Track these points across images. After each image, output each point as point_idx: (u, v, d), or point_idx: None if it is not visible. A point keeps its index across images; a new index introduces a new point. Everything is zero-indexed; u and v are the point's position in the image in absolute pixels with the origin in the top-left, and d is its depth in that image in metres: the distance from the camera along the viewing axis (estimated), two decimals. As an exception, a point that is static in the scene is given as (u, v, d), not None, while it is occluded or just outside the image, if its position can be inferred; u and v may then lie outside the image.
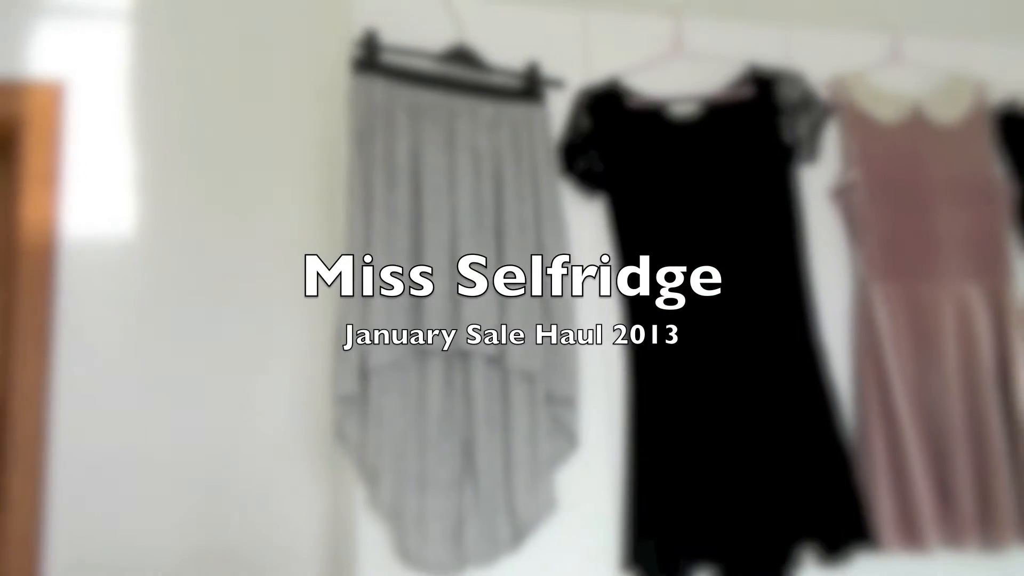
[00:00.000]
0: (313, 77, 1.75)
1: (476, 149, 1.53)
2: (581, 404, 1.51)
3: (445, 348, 1.41)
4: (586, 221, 1.63)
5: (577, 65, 1.68)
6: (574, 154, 1.64)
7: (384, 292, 1.39)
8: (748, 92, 1.69)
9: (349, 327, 1.37)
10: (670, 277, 1.55)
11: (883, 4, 2.08)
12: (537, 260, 1.51)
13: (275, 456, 1.60)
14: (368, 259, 1.40)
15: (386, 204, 1.44)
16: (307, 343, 1.67)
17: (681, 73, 1.72)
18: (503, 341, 1.44)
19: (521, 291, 1.47)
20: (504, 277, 1.48)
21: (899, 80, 1.78)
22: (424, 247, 1.44)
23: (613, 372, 1.57)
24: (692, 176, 1.65)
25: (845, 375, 1.63)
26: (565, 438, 1.48)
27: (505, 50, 1.62)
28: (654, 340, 1.55)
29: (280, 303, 1.66)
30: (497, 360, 1.45)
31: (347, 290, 1.39)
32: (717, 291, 1.57)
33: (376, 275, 1.39)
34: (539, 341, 1.46)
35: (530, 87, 1.62)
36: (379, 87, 1.50)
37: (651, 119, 1.67)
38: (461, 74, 1.58)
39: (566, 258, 1.54)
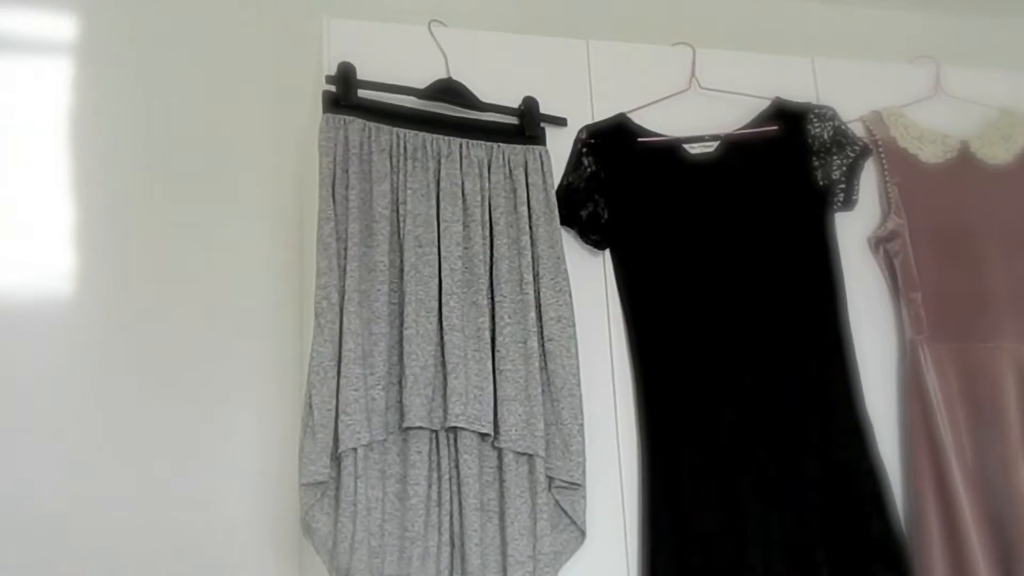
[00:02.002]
0: (282, 116, 1.76)
1: (466, 196, 1.54)
2: (590, 489, 1.49)
3: (431, 425, 1.41)
4: (591, 277, 1.64)
5: (580, 101, 1.70)
6: (576, 200, 1.65)
7: (360, 360, 1.39)
8: (773, 128, 1.71)
9: (319, 401, 1.36)
10: (687, 346, 1.56)
11: (921, 32, 2.15)
12: (536, 323, 1.51)
13: (232, 553, 1.57)
14: (341, 322, 1.39)
15: (362, 259, 1.45)
16: (271, 420, 1.65)
17: (697, 108, 1.74)
18: (498, 416, 1.44)
19: (518, 359, 1.48)
20: (499, 342, 1.48)
21: (943, 116, 1.80)
22: (406, 308, 1.44)
23: (627, 451, 1.55)
24: (712, 224, 1.65)
25: (894, 452, 1.61)
26: (571, 529, 1.46)
27: (498, 85, 1.64)
28: (673, 416, 1.55)
29: (240, 373, 1.64)
30: (491, 439, 1.44)
31: (317, 358, 1.38)
32: (742, 358, 1.58)
33: (351, 341, 1.38)
34: (539, 416, 1.45)
35: (527, 125, 1.63)
36: (355, 127, 1.51)
37: (664, 159, 1.68)
38: (448, 112, 1.60)
39: (569, 320, 1.54)
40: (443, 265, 1.48)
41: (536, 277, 1.54)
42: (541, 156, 1.62)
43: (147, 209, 1.67)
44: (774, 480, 1.50)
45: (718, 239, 1.65)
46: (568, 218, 1.63)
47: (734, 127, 1.73)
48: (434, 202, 1.52)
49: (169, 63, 1.76)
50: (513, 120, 1.63)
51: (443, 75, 1.62)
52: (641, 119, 1.72)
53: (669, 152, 1.69)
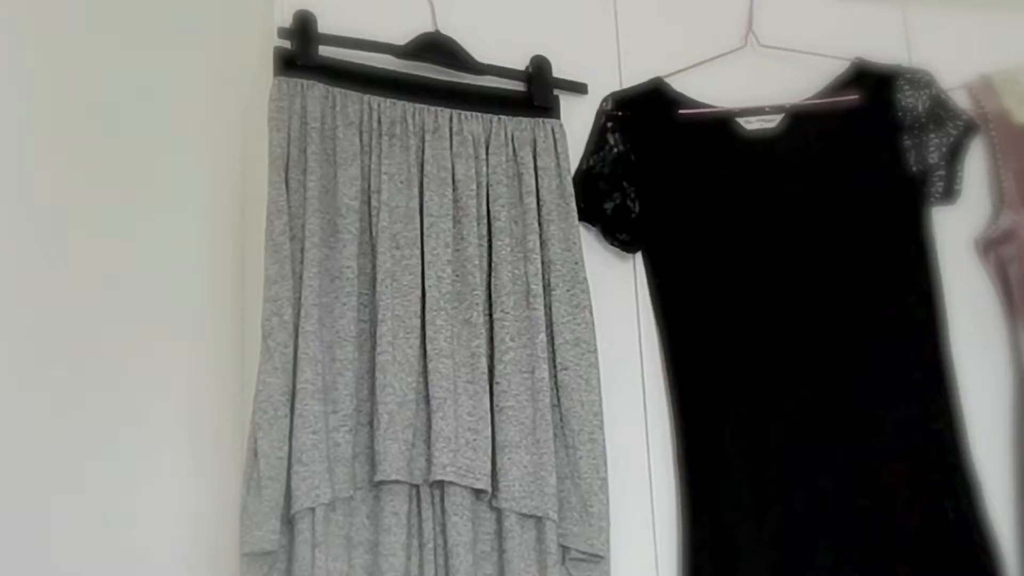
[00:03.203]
0: (220, 79, 1.75)
1: (457, 183, 1.54)
2: (616, 562, 1.49)
3: (410, 479, 1.41)
4: (618, 287, 1.65)
5: (604, 61, 1.71)
6: (600, 189, 1.66)
7: (320, 394, 1.39)
8: (853, 98, 1.72)
9: (266, 447, 1.36)
10: (742, 379, 1.58)
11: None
12: (546, 346, 1.51)
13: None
14: (296, 346, 1.39)
15: (323, 264, 1.44)
16: (204, 473, 1.64)
17: (754, 71, 1.75)
18: (497, 468, 1.44)
19: (523, 393, 1.48)
20: (499, 372, 1.48)
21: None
22: (380, 327, 1.43)
23: (664, 514, 1.56)
24: (774, 220, 1.67)
25: (1006, 508, 1.63)
26: (590, 616, 1.48)
27: (500, 40, 1.65)
28: (722, 469, 1.56)
29: (163, 413, 1.64)
30: (487, 497, 1.44)
31: (265, 392, 1.37)
32: (814, 394, 1.60)
33: (308, 369, 1.38)
34: (550, 467, 1.45)
35: (536, 92, 1.63)
36: (315, 94, 1.50)
37: (712, 136, 1.69)
38: (435, 75, 1.60)
39: (589, 344, 1.54)
40: (428, 272, 1.48)
41: (547, 288, 1.54)
42: (554, 132, 1.62)
43: (52, 192, 1.67)
44: (865, 548, 1.54)
45: (781, 239, 1.66)
46: (589, 212, 1.64)
47: (802, 96, 1.74)
48: (416, 191, 1.52)
49: (78, 15, 1.75)
50: (519, 86, 1.64)
51: (429, 28, 1.62)
52: (682, 85, 1.72)
53: (718, 128, 1.70)
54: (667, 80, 1.72)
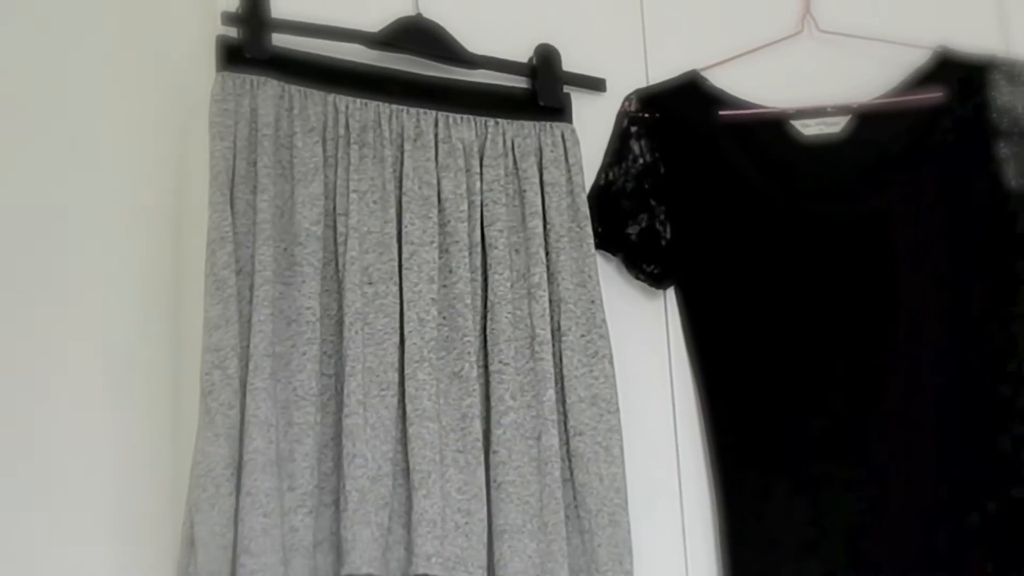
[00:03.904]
0: (151, 76, 1.72)
1: (444, 202, 1.54)
2: None
3: (386, 573, 1.40)
4: (645, 330, 1.66)
5: (627, 51, 1.72)
6: (623, 209, 1.66)
7: (273, 467, 1.38)
8: (936, 96, 1.72)
9: (205, 532, 1.35)
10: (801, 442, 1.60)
11: None
12: (556, 406, 1.51)
13: None
14: (243, 407, 1.39)
15: (277, 304, 1.44)
16: (126, 563, 1.61)
17: (814, 63, 1.76)
18: (494, 559, 1.44)
19: (527, 465, 1.48)
20: (496, 438, 1.48)
21: None
22: (348, 383, 1.43)
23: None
24: (838, 243, 1.66)
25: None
26: None
27: (498, 26, 1.66)
28: (777, 558, 1.57)
29: (74, 488, 1.60)
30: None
31: (204, 464, 1.36)
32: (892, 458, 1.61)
33: (258, 436, 1.38)
34: (561, 558, 1.45)
35: (542, 90, 1.64)
36: (268, 93, 1.50)
37: (762, 143, 1.70)
38: (417, 69, 1.60)
39: (610, 402, 1.54)
40: (407, 314, 1.48)
41: (557, 333, 1.55)
42: (564, 138, 1.63)
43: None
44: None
45: (848, 271, 1.66)
46: (609, 237, 1.65)
47: (872, 94, 1.74)
48: (393, 213, 1.52)
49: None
50: (521, 82, 1.64)
51: (409, 11, 1.62)
52: (723, 80, 1.73)
53: (769, 132, 1.70)
54: (704, 74, 1.72)
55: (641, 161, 1.66)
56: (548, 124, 1.62)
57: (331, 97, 1.53)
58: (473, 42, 1.63)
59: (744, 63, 1.73)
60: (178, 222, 1.68)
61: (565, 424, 1.52)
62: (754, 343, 1.64)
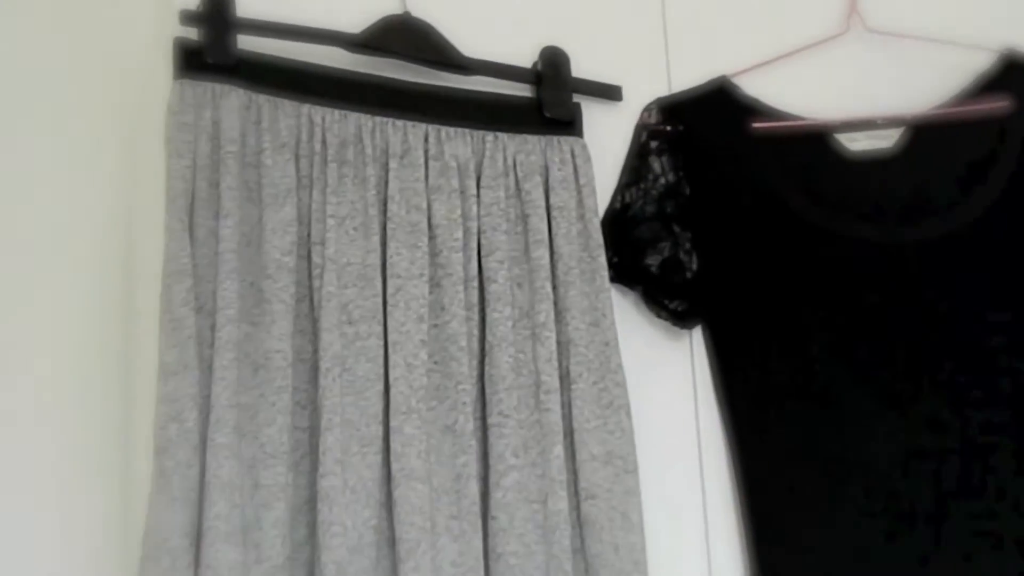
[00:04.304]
0: (100, 83, 1.71)
1: (435, 229, 1.54)
2: None
3: None
4: (669, 376, 1.67)
5: (647, 55, 1.74)
6: (642, 237, 1.66)
7: (238, 535, 1.37)
8: (1002, 104, 1.72)
9: None
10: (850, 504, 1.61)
11: None
12: (565, 465, 1.50)
13: None
14: (203, 466, 1.38)
15: (243, 347, 1.43)
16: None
17: (862, 67, 1.76)
18: None
19: (532, 532, 1.48)
20: (495, 502, 1.48)
21: None
22: (325, 438, 1.42)
23: None
24: (891, 275, 1.67)
25: None
26: None
27: (497, 26, 1.67)
28: None
29: (11, 559, 1.59)
30: None
31: (158, 533, 1.35)
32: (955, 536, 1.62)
33: (221, 500, 1.37)
34: None
35: (548, 99, 1.65)
36: (232, 103, 1.49)
37: (801, 158, 1.70)
38: (405, 76, 1.60)
39: (627, 461, 1.54)
40: (393, 358, 1.47)
41: (566, 380, 1.55)
42: (574, 155, 1.63)
43: None
44: None
45: (904, 308, 1.66)
46: (626, 269, 1.65)
47: (929, 103, 1.73)
48: (377, 240, 1.51)
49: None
50: (524, 90, 1.64)
51: (396, 9, 1.62)
52: (757, 87, 1.73)
53: (810, 147, 1.70)
54: (735, 80, 1.73)
55: (663, 181, 1.67)
56: (555, 138, 1.62)
57: (305, 108, 1.53)
58: (469, 44, 1.63)
59: (781, 67, 1.74)
60: (129, 253, 1.66)
61: (575, 486, 1.51)
62: (796, 393, 1.64)
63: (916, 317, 1.66)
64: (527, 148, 1.61)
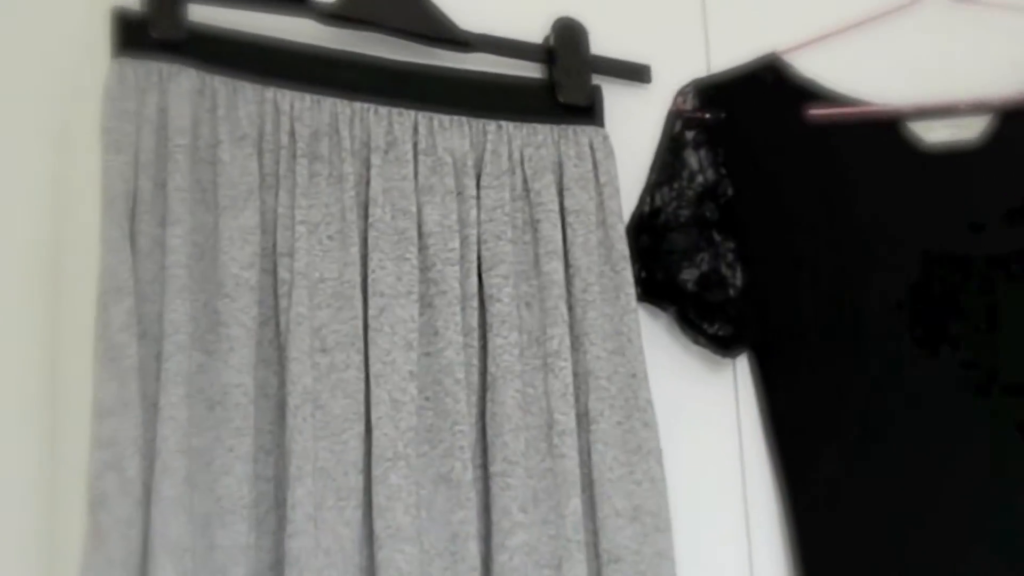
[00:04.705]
0: (31, 62, 1.69)
1: (427, 238, 1.53)
2: None
3: None
4: (710, 412, 1.66)
5: (680, 29, 1.75)
6: (675, 247, 1.65)
7: None
8: None
9: None
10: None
11: None
12: (582, 523, 1.48)
13: None
14: (146, 527, 1.35)
15: (195, 380, 1.41)
16: None
17: (939, 41, 1.75)
18: None
19: None
20: (499, 567, 1.46)
21: None
22: (294, 490, 1.40)
23: None
24: (974, 286, 1.67)
25: None
26: None
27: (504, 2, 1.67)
28: None
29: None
30: None
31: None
32: None
33: (168, 566, 1.33)
34: None
35: (563, 81, 1.64)
36: (182, 86, 1.47)
37: (868, 150, 1.70)
38: (390, 53, 1.59)
39: (659, 517, 1.53)
40: (376, 392, 1.45)
41: (584, 419, 1.53)
42: (593, 148, 1.62)
43: None
44: None
45: (984, 327, 1.66)
46: (657, 286, 1.64)
47: (1021, 85, 1.73)
48: (356, 252, 1.49)
49: None
50: (533, 70, 1.65)
51: None
52: (814, 67, 1.72)
53: (879, 137, 1.69)
54: (787, 58, 1.72)
55: (701, 179, 1.66)
56: (570, 128, 1.61)
57: (270, 92, 1.50)
58: (468, 15, 1.62)
59: (842, 43, 1.73)
60: (56, 266, 1.63)
61: (596, 547, 1.49)
62: (856, 431, 1.63)
63: (1000, 339, 1.66)
64: (537, 140, 1.59)
